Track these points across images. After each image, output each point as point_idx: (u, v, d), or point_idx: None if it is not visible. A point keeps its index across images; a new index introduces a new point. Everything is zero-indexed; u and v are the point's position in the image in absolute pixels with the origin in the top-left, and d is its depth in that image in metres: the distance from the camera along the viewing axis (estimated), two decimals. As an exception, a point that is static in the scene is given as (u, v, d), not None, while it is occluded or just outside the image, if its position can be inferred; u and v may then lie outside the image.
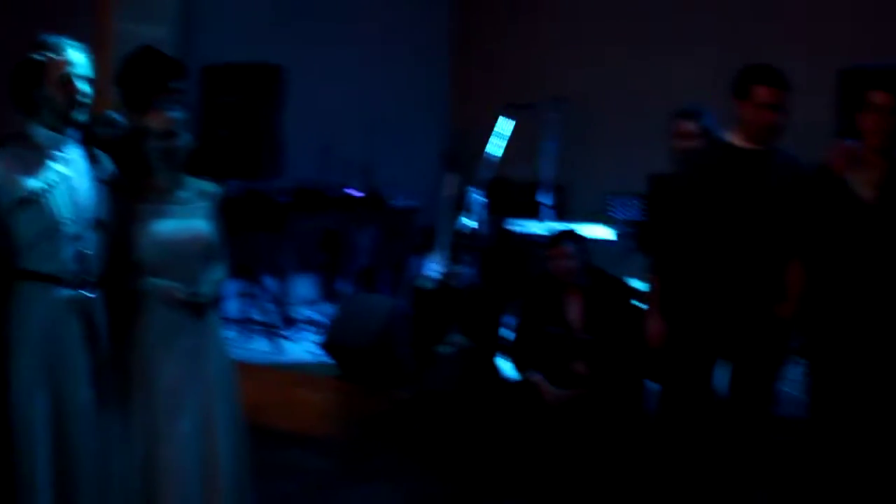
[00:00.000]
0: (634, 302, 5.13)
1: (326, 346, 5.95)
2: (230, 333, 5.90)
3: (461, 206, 6.71)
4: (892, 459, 3.90)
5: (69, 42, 3.42)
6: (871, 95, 3.82)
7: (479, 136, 6.97)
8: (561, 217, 6.63)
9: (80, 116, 3.41)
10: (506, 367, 5.46)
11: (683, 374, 4.18)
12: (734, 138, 4.08)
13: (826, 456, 3.99)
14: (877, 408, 3.89)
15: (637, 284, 5.38)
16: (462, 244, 6.16)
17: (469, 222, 6.47)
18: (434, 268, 6.66)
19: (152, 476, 3.49)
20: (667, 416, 4.31)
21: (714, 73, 6.84)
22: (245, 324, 6.78)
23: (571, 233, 5.21)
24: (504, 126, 6.63)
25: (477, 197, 6.54)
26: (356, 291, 7.52)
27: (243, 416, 3.74)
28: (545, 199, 6.71)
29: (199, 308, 3.59)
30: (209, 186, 3.72)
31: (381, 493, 5.01)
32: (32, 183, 3.30)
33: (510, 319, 5.35)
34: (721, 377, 4.20)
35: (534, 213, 6.75)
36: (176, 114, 3.65)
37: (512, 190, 7.05)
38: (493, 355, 5.50)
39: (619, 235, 6.08)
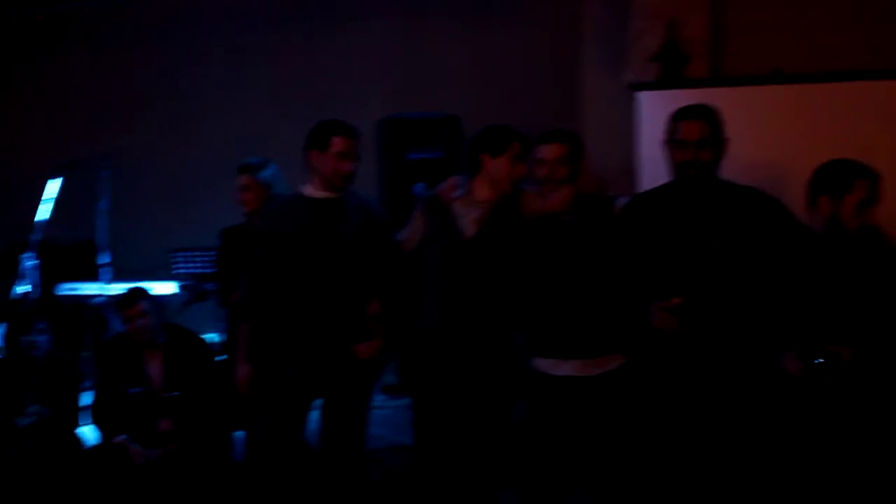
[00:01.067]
0: (212, 355, 5.25)
1: None
2: None
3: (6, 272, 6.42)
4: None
5: None
6: (540, 149, 4.13)
7: (17, 199, 6.71)
8: (120, 276, 6.52)
9: None
10: (89, 433, 5.31)
11: (273, 419, 4.25)
12: (309, 189, 4.26)
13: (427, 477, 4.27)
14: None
15: (212, 336, 5.49)
16: (23, 312, 5.88)
17: (22, 288, 6.20)
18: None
19: None
20: (255, 463, 4.38)
21: (268, 130, 7.21)
22: None
23: (142, 290, 5.19)
24: (51, 186, 6.44)
25: (29, 261, 6.28)
26: None
27: None
28: (102, 258, 6.57)
29: None
30: None
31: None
32: None
33: (88, 384, 5.24)
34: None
35: (91, 274, 6.57)
36: None
37: (65, 252, 6.80)
38: (74, 423, 5.34)
39: (183, 289, 6.10)
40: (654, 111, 5.58)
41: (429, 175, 6.25)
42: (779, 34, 5.98)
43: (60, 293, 6.56)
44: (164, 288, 6.10)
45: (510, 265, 4.18)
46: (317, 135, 4.23)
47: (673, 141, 4.01)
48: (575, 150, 4.14)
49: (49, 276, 6.39)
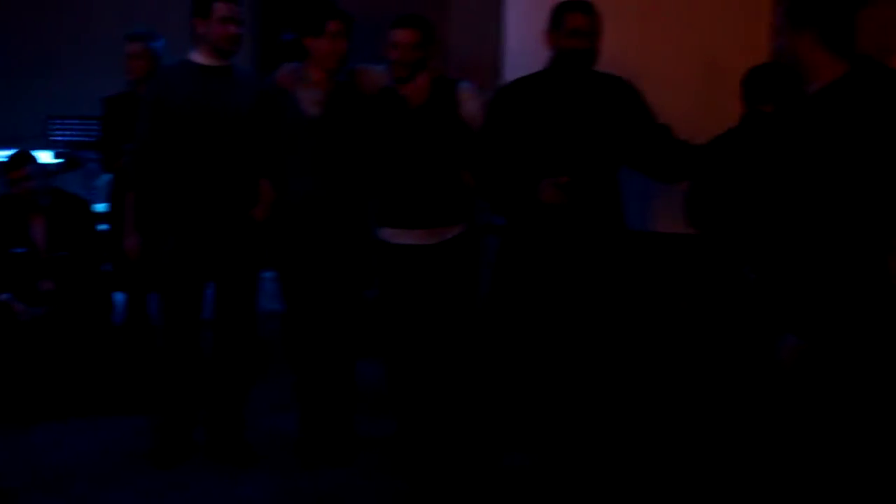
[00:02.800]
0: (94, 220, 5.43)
1: None
2: None
3: None
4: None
5: None
6: (393, 34, 4.28)
7: None
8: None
9: None
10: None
11: (171, 287, 4.41)
12: (197, 56, 4.35)
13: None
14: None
15: (97, 206, 5.66)
16: None
17: None
18: None
19: None
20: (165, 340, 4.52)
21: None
22: None
23: (29, 155, 5.28)
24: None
25: None
26: None
27: None
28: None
29: None
30: None
31: None
32: None
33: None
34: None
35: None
36: None
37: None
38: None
39: (58, 157, 6.19)
40: (521, 4, 5.91)
41: (304, 56, 6.49)
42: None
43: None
44: (40, 156, 6.19)
45: (356, 142, 4.41)
46: (198, 1, 4.29)
47: (563, 29, 4.19)
48: (427, 36, 4.34)
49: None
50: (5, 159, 5.34)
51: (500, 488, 4.27)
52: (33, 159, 5.27)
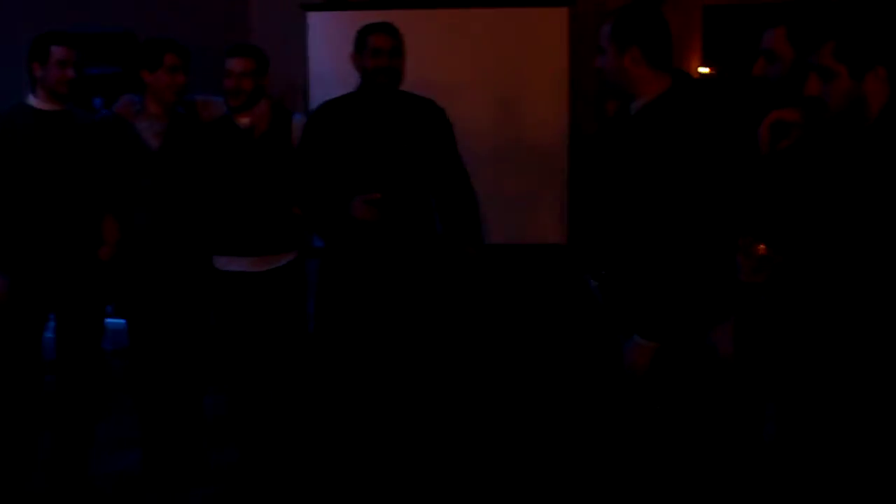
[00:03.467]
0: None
1: None
2: None
3: None
4: None
5: None
6: (229, 62, 4.41)
7: None
8: None
9: None
10: None
11: (11, 331, 4.38)
12: (34, 100, 4.36)
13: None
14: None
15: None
16: None
17: None
18: None
19: None
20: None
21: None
22: None
23: None
24: None
25: None
26: None
27: None
28: None
29: None
30: None
31: None
32: None
33: None
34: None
35: None
36: None
37: None
38: None
39: None
40: (323, 31, 6.10)
41: (106, 89, 6.46)
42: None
43: None
44: None
45: (195, 172, 4.50)
46: (36, 47, 4.32)
47: (366, 50, 4.44)
48: (260, 65, 4.49)
49: None
50: None
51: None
52: None
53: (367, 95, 4.50)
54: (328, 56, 5.96)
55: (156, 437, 4.62)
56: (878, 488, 2.94)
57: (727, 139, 3.08)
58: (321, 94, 5.45)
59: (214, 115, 4.62)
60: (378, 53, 4.42)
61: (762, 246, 3.11)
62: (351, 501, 4.46)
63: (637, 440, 3.37)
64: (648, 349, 3.12)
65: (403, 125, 4.50)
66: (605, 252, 3.27)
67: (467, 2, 5.96)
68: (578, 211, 4.66)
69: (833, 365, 2.98)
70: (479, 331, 5.62)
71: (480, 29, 5.94)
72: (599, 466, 4.61)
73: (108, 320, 5.73)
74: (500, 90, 5.93)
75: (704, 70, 6.68)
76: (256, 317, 4.58)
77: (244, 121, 4.52)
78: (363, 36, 4.48)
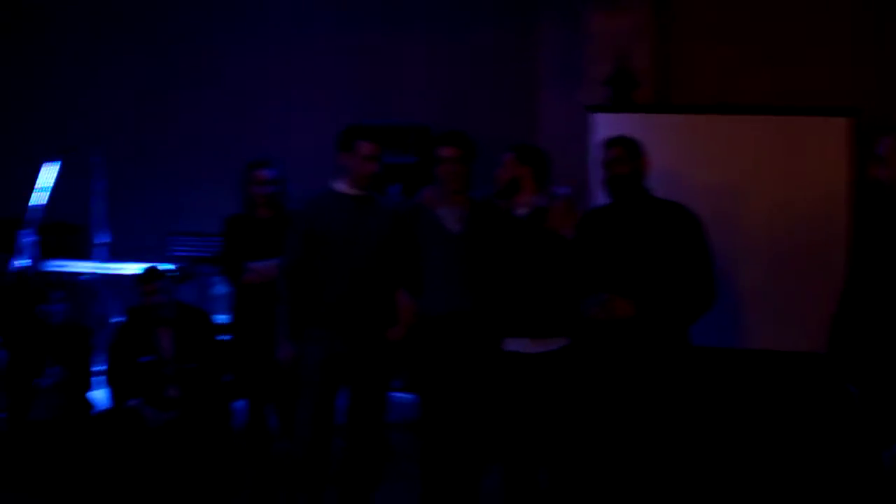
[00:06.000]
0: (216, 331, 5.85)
1: None
2: None
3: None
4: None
5: None
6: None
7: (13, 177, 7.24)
8: (117, 256, 7.07)
9: None
10: (100, 396, 5.88)
11: (312, 398, 4.79)
12: (341, 186, 4.83)
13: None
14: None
15: (219, 317, 6.08)
16: (40, 283, 6.42)
17: (20, 262, 6.75)
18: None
19: None
20: (300, 441, 4.85)
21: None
22: None
23: (159, 270, 5.74)
24: (48, 169, 6.99)
25: (27, 237, 6.82)
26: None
27: None
28: (98, 238, 7.14)
29: None
30: None
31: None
32: None
33: (102, 353, 5.81)
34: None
35: (82, 253, 7.14)
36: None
37: (58, 231, 7.31)
38: (87, 387, 5.89)
39: (178, 270, 6.67)
40: (606, 131, 6.33)
41: (402, 178, 6.99)
42: (720, 67, 6.78)
43: (50, 269, 7.11)
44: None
45: (494, 256, 4.80)
46: (344, 138, 4.81)
47: (602, 164, 4.75)
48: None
49: (50, 253, 6.95)
50: (138, 273, 5.80)
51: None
52: (162, 275, 5.71)
53: (614, 203, 4.74)
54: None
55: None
56: None
57: None
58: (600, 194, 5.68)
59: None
60: (606, 166, 4.69)
61: None
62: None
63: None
64: None
65: (644, 229, 4.65)
66: (868, 360, 3.29)
67: (748, 109, 6.08)
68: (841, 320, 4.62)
69: None
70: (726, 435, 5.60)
71: (760, 134, 6.02)
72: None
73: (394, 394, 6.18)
74: (778, 196, 5.96)
75: None
76: (530, 397, 4.75)
77: (522, 210, 4.81)
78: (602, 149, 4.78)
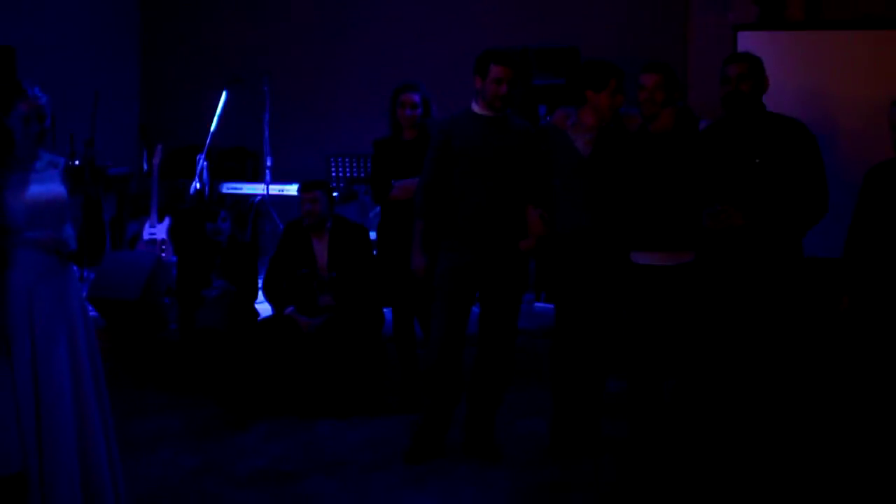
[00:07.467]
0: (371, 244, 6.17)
1: (89, 300, 6.40)
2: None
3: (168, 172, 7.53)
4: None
5: None
6: (642, 77, 4.84)
7: (178, 108, 7.74)
8: (279, 179, 7.56)
9: None
10: (263, 307, 6.34)
11: (446, 306, 5.02)
12: (476, 107, 5.04)
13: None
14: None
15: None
16: (208, 203, 6.94)
17: (195, 185, 7.29)
18: (150, 230, 7.37)
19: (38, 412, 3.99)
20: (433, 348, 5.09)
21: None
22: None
23: (322, 182, 6.08)
24: (219, 99, 7.51)
25: (201, 163, 7.35)
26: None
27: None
28: (265, 162, 7.63)
29: (64, 255, 4.18)
30: (57, 158, 4.29)
31: (163, 423, 5.62)
32: None
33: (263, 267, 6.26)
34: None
35: (254, 176, 7.64)
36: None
37: (232, 156, 7.84)
38: (253, 298, 6.36)
39: (338, 190, 7.06)
40: (753, 50, 6.31)
41: (552, 99, 7.12)
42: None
43: (224, 191, 7.63)
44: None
45: (622, 177, 4.96)
46: (479, 62, 4.99)
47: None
48: (669, 79, 4.88)
49: (219, 175, 7.49)
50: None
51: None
52: (325, 186, 6.05)
53: (730, 119, 4.81)
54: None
55: (564, 408, 5.13)
56: None
57: None
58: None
59: (634, 126, 5.07)
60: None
61: None
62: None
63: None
64: None
65: (761, 143, 4.72)
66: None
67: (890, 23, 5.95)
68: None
69: None
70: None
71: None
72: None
73: (537, 304, 6.37)
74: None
75: None
76: (660, 309, 4.91)
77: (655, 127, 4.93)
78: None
